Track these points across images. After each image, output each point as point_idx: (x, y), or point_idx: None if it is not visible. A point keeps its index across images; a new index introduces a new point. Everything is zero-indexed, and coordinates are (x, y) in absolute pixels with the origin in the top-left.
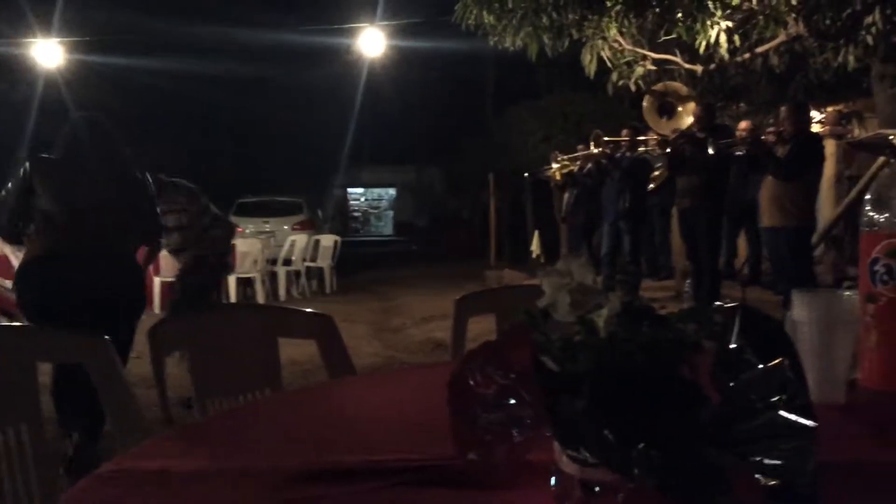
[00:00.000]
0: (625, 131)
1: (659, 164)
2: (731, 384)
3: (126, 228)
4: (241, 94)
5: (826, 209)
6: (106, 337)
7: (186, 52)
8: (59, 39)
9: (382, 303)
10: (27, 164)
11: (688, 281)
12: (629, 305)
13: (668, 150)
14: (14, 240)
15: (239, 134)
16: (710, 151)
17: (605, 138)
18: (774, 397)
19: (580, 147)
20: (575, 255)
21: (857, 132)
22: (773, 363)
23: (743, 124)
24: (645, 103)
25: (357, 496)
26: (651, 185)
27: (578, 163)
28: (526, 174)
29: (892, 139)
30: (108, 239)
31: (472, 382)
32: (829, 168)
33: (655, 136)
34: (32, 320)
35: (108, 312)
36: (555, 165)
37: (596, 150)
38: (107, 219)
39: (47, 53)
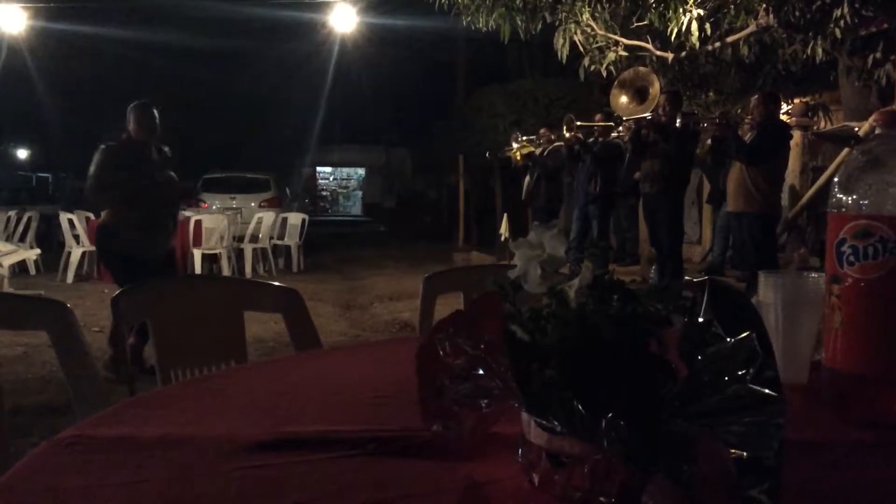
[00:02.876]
0: (597, 116)
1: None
2: (699, 357)
3: (172, 195)
4: (211, 68)
5: (790, 199)
6: (66, 304)
7: (155, 24)
8: (22, 5)
9: (349, 282)
10: (106, 149)
11: (654, 267)
12: (600, 278)
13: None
14: (95, 209)
15: (208, 108)
16: (678, 125)
17: (578, 122)
18: (742, 370)
19: (543, 130)
20: (547, 227)
21: (823, 124)
22: (740, 337)
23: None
24: (614, 92)
25: (319, 465)
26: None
27: (541, 143)
28: (487, 154)
29: (857, 131)
30: (163, 206)
31: (441, 352)
32: (794, 159)
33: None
34: (114, 272)
35: (164, 261)
36: (514, 146)
37: (567, 134)
38: (161, 190)
39: (10, 19)
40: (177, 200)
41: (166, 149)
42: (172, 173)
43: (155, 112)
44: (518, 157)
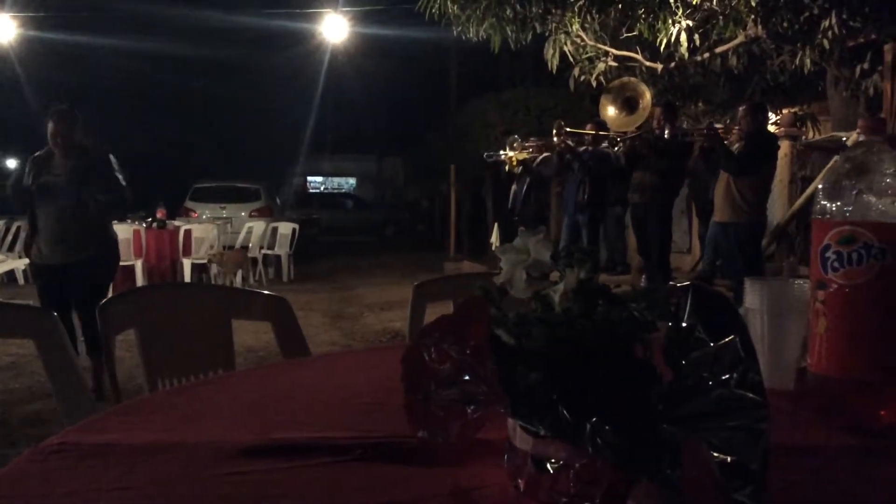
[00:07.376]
0: (588, 125)
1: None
2: (684, 362)
3: (90, 204)
4: (202, 78)
5: (778, 209)
6: (54, 313)
7: (147, 33)
8: (12, 14)
9: (340, 292)
10: (27, 162)
11: (644, 276)
12: (585, 283)
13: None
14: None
15: (198, 117)
16: (666, 137)
17: (568, 129)
18: (726, 375)
19: (532, 139)
20: (532, 232)
21: (812, 134)
22: (724, 341)
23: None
24: (603, 102)
25: (306, 471)
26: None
27: (532, 152)
28: (485, 154)
29: (845, 141)
30: (77, 215)
31: (427, 358)
32: (782, 169)
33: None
34: (35, 279)
35: (80, 272)
36: (511, 152)
37: (556, 139)
38: (73, 199)
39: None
40: (96, 212)
41: (112, 157)
42: (120, 179)
43: (71, 118)
44: (514, 163)
